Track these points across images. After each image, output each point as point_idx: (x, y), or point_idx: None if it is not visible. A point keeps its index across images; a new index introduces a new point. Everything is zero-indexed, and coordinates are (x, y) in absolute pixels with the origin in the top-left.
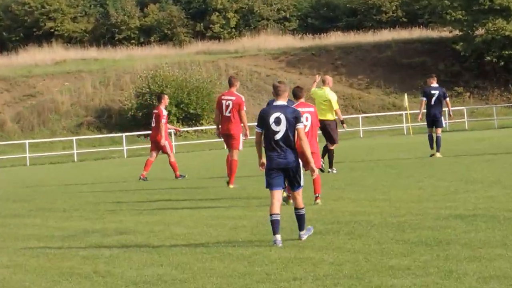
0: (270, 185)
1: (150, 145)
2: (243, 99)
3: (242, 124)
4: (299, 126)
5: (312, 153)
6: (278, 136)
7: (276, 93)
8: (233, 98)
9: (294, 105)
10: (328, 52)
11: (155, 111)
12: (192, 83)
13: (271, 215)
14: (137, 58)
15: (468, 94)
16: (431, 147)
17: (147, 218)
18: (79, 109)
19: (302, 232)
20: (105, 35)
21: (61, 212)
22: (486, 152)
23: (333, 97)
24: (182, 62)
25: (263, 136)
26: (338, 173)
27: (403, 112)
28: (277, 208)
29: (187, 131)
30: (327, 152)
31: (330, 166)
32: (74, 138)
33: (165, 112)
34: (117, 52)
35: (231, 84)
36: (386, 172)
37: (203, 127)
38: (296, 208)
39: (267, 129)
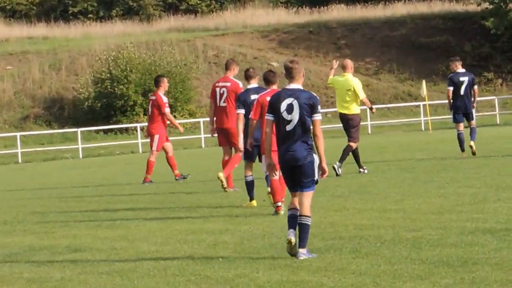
0: (287, 185)
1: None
2: (241, 85)
3: None
4: (317, 117)
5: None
6: (290, 127)
7: (290, 75)
8: (228, 84)
9: (263, 93)
10: (329, 30)
11: (152, 97)
12: (163, 67)
13: (290, 209)
14: (96, 37)
15: (500, 81)
16: (462, 149)
17: (107, 232)
18: (24, 99)
19: (301, 250)
20: (56, 8)
21: (1, 225)
22: None
23: (358, 85)
24: (151, 41)
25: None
26: (341, 177)
27: (421, 103)
28: (297, 203)
29: None
30: (351, 152)
31: (359, 166)
32: (18, 134)
33: (165, 99)
34: (71, 29)
35: (227, 67)
36: (400, 177)
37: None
38: (301, 215)
39: (278, 118)
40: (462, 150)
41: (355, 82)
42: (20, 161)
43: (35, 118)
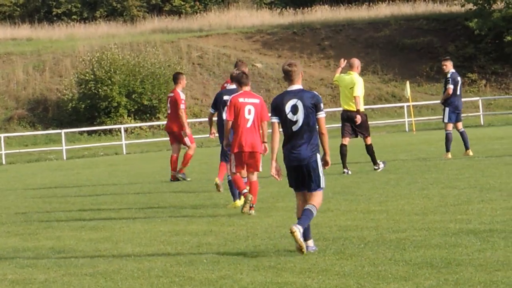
0: (292, 186)
1: (168, 138)
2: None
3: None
4: (321, 115)
5: (255, 152)
6: (296, 127)
7: (289, 78)
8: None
9: (235, 94)
10: (313, 31)
11: (170, 94)
12: (147, 68)
13: (298, 218)
14: (79, 38)
15: (484, 82)
16: (449, 149)
17: (91, 234)
18: (7, 100)
19: (309, 242)
20: (40, 9)
21: None
22: (506, 153)
23: (358, 83)
24: (135, 42)
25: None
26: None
27: (405, 104)
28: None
29: (140, 127)
30: (371, 151)
31: (375, 163)
32: (1, 135)
33: (183, 96)
34: (55, 31)
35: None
36: (384, 178)
37: (159, 122)
38: (308, 203)
39: (283, 119)
40: (448, 150)
41: (357, 80)
42: (4, 162)
43: (19, 119)
